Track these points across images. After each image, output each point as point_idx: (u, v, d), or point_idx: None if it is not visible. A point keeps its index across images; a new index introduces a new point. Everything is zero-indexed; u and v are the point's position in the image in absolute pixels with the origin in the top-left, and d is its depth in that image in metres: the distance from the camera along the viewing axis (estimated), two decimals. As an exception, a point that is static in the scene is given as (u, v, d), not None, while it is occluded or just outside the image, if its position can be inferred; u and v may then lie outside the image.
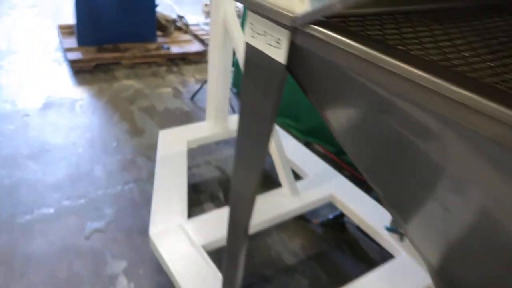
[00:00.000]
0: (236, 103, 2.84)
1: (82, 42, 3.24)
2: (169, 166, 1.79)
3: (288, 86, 2.42)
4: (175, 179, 1.71)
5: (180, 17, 4.15)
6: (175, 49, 3.52)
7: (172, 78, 3.23)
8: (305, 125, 2.53)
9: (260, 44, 0.69)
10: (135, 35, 3.41)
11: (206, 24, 4.28)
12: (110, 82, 3.02)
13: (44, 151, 2.17)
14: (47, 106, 2.61)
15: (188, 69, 3.43)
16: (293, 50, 0.64)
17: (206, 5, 4.41)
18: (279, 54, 0.65)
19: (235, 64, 1.99)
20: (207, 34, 4.00)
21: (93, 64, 3.13)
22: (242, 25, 2.17)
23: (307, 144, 2.53)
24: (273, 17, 0.62)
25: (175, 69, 3.40)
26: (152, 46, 3.45)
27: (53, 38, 3.63)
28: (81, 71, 3.09)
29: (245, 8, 2.64)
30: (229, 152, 2.36)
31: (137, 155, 2.23)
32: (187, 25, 4.09)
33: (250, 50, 0.72)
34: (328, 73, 0.63)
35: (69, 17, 3.55)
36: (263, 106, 0.77)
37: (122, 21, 3.30)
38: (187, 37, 3.82)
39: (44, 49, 3.43)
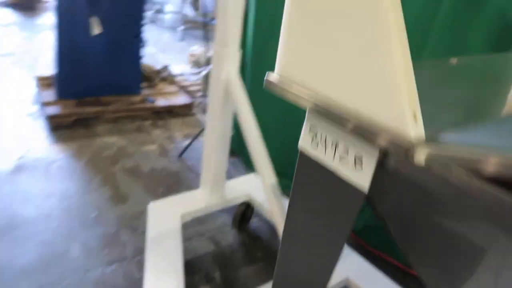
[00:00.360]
0: (231, 166, 2.65)
1: (62, 95, 3.03)
2: (161, 248, 1.55)
3: (287, 143, 2.20)
4: (169, 266, 1.47)
5: (165, 67, 4.02)
6: (160, 102, 3.34)
7: (158, 133, 3.03)
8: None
9: (324, 158, 0.51)
10: (119, 87, 3.23)
11: (193, 74, 4.16)
12: (90, 138, 2.79)
13: (13, 226, 1.88)
14: (19, 168, 2.34)
15: (174, 123, 3.24)
16: (380, 172, 0.46)
17: (192, 54, 4.31)
18: (359, 178, 0.47)
19: (234, 127, 1.82)
20: (193, 85, 3.87)
21: (72, 119, 2.91)
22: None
23: (307, 207, 2.35)
24: (364, 133, 0.44)
25: (161, 123, 3.21)
26: (137, 99, 3.27)
27: (30, 89, 3.40)
28: (59, 127, 2.85)
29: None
30: (223, 220, 2.14)
31: (121, 227, 1.97)
32: (172, 75, 3.95)
33: (306, 160, 0.54)
34: (435, 207, 0.45)
35: (48, 68, 3.36)
36: (326, 231, 0.57)
37: (105, 72, 3.12)
38: (173, 88, 3.67)
39: (20, 101, 3.19)
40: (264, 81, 0.56)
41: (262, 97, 2.37)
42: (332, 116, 0.45)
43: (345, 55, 0.43)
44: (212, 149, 1.76)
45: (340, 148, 0.48)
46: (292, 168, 2.31)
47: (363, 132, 0.43)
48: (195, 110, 3.52)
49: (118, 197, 2.20)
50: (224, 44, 1.52)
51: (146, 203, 2.13)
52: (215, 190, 1.86)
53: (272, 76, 0.55)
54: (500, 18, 1.32)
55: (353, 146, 0.47)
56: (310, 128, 0.52)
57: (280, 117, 2.35)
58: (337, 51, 0.44)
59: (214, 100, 1.66)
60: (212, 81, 1.64)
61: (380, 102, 0.41)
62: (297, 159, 0.55)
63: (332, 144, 0.49)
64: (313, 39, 0.46)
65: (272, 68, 2.47)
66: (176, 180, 2.44)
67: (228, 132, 1.78)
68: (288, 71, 0.51)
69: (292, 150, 2.35)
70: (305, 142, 0.53)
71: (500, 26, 1.33)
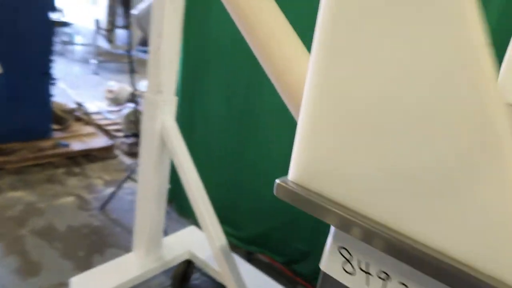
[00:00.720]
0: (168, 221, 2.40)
1: (-51, 144, 2.53)
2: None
3: (226, 186, 2.02)
4: None
5: (79, 105, 3.64)
6: (76, 146, 2.98)
7: (74, 182, 2.66)
8: (246, 232, 2.20)
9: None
10: (25, 132, 2.81)
11: (111, 112, 3.84)
12: (-11, 195, 2.34)
13: None
14: None
15: (93, 169, 2.90)
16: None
17: (110, 90, 3.99)
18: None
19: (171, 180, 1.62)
20: (113, 124, 3.55)
21: (-36, 172, 2.43)
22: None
23: (249, 254, 2.19)
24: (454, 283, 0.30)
25: (77, 170, 2.84)
26: (47, 143, 2.87)
27: None
28: None
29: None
30: (160, 280, 1.89)
31: (33, 308, 1.62)
32: (88, 114, 3.59)
33: (335, 285, 0.39)
34: None
35: None
36: None
37: (8, 117, 2.69)
38: (89, 129, 3.32)
39: None
40: (276, 186, 0.42)
41: (194, 142, 2.21)
42: (388, 248, 0.32)
43: (423, 162, 0.30)
44: (147, 206, 1.54)
45: (394, 281, 0.34)
46: (230, 214, 2.09)
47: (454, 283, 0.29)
48: (116, 152, 3.20)
49: (28, 268, 1.82)
50: (158, 90, 1.34)
51: (65, 272, 1.81)
52: (151, 252, 1.62)
53: (287, 183, 0.40)
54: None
55: (420, 285, 0.33)
56: (339, 250, 0.38)
57: (216, 162, 2.20)
58: (405, 154, 0.31)
59: (147, 152, 1.46)
60: (145, 131, 1.44)
61: (482, 240, 0.28)
62: (320, 279, 0.41)
63: (380, 276, 0.35)
64: (360, 134, 0.33)
65: (201, 113, 2.30)
66: (100, 238, 2.13)
67: (165, 186, 1.57)
68: (314, 178, 0.37)
69: (229, 195, 2.21)
70: (331, 266, 0.38)
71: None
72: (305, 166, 0.38)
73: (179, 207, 2.46)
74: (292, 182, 0.40)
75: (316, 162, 0.37)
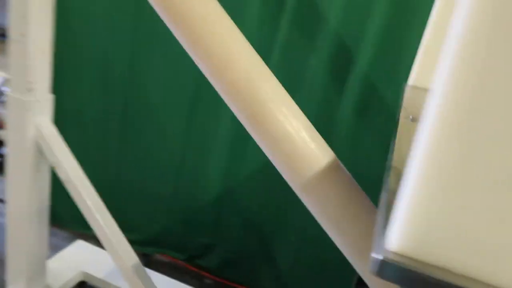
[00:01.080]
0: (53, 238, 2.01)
1: None
2: None
3: (111, 189, 1.79)
4: None
5: None
6: None
7: None
8: (140, 234, 2.00)
9: None
10: None
11: None
12: None
13: None
14: None
15: None
16: None
17: None
18: None
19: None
20: None
21: None
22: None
23: (146, 256, 2.02)
24: None
25: None
26: None
27: None
28: None
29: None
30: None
31: None
32: None
33: None
34: None
35: None
36: None
37: None
38: None
39: None
40: (377, 264, 0.30)
41: (67, 144, 1.87)
42: None
43: None
44: (24, 230, 1.24)
45: None
46: (122, 216, 1.86)
47: None
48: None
49: None
50: (28, 88, 1.05)
51: None
52: (35, 283, 1.33)
53: (391, 257, 0.29)
54: (336, 41, 1.38)
55: None
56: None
57: (97, 163, 1.91)
58: None
59: (18, 167, 1.16)
60: (12, 141, 1.13)
61: None
62: None
63: None
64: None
65: (73, 106, 1.96)
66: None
67: (45, 202, 1.29)
68: (437, 249, 0.27)
69: (115, 197, 1.94)
70: None
71: (338, 51, 1.39)
72: (424, 233, 0.29)
73: (52, 217, 2.10)
74: (398, 255, 0.30)
75: (444, 226, 0.28)
